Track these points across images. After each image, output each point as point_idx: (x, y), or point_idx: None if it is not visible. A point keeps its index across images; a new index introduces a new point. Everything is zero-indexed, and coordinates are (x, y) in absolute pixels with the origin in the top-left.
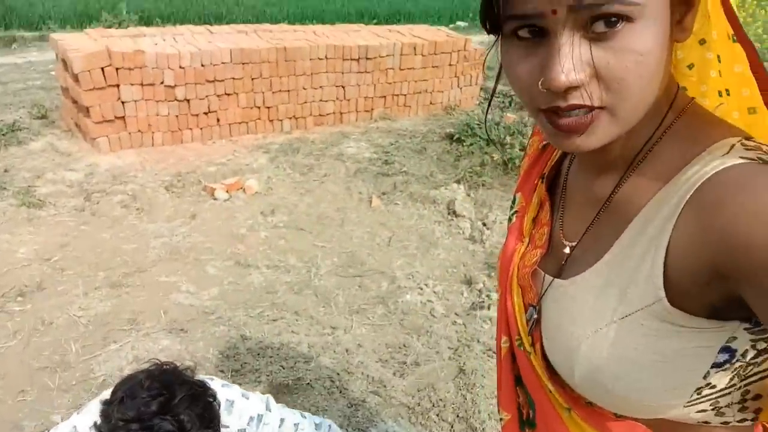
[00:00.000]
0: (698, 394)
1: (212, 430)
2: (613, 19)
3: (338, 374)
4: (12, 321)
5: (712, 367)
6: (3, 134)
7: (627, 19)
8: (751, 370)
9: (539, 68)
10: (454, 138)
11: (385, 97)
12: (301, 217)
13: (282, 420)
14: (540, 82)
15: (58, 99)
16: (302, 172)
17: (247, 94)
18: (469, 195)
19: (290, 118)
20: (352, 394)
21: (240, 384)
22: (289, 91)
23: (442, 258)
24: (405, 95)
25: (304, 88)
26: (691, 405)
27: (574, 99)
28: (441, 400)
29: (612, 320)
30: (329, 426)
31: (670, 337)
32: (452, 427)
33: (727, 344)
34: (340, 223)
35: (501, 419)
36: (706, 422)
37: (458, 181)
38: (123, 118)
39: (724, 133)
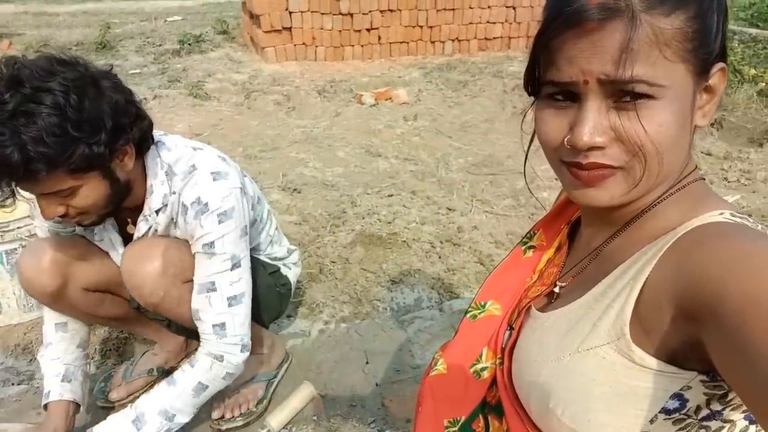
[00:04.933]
0: None
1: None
2: (638, 94)
3: (441, 243)
4: None
5: (661, 411)
6: (189, 44)
7: (650, 96)
8: None
9: (567, 127)
10: None
11: None
12: (444, 124)
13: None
14: (566, 140)
15: (240, 19)
16: (455, 89)
17: (411, 11)
18: None
19: (453, 40)
20: (453, 263)
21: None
22: (454, 9)
23: None
24: None
25: (471, 8)
26: None
27: (594, 158)
28: None
29: (576, 351)
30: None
31: (627, 373)
32: None
33: (681, 392)
34: (484, 131)
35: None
36: None
37: None
38: (290, 29)
39: (720, 206)
